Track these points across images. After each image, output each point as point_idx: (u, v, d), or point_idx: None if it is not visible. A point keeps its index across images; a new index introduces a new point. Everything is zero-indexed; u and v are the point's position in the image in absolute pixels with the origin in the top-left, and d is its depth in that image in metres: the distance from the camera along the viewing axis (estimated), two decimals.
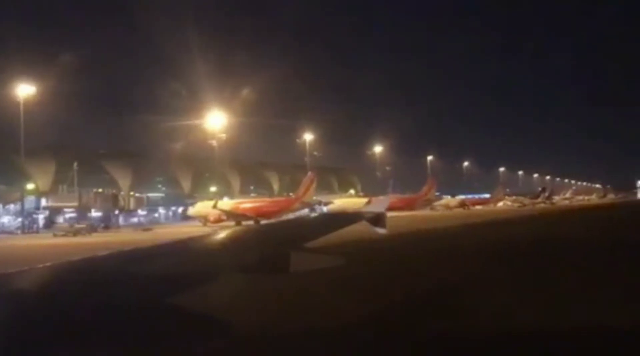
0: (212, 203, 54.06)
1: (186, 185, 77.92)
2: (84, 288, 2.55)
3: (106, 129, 69.60)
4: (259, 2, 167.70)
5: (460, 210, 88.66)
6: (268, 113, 75.34)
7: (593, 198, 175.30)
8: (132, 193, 59.32)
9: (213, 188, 69.72)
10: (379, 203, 10.42)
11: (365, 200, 67.77)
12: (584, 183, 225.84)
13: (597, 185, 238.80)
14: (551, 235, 27.52)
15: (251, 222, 50.78)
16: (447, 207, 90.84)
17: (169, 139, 66.43)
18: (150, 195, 68.46)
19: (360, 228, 6.31)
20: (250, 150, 77.85)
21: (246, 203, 55.42)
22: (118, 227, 55.19)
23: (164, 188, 77.03)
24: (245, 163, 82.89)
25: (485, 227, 40.28)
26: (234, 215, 50.28)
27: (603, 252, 17.66)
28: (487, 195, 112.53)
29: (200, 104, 61.48)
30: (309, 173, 57.48)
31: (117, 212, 56.89)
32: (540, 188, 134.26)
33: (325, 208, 60.16)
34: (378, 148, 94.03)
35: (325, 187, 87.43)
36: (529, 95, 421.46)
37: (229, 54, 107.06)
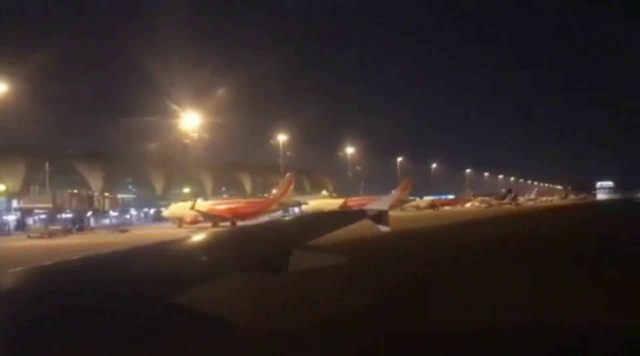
0: (187, 204, 53.59)
1: (158, 186, 77.12)
2: (85, 288, 2.56)
3: (77, 129, 68.41)
4: (233, 3, 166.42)
5: (431, 210, 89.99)
6: (241, 114, 75.17)
7: (555, 199, 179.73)
8: (106, 194, 58.35)
9: (186, 190, 69.07)
10: (382, 202, 10.63)
11: (340, 200, 68.57)
12: (546, 185, 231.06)
13: (559, 186, 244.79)
14: (534, 233, 28.53)
15: (227, 224, 50.79)
16: (418, 207, 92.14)
17: (141, 140, 65.75)
18: (123, 196, 67.38)
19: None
20: (222, 150, 77.45)
21: (223, 205, 55.11)
22: (92, 228, 54.34)
23: (134, 190, 76.00)
24: (218, 164, 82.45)
25: (462, 227, 41.20)
26: (210, 217, 50.04)
27: (595, 250, 18.65)
28: (452, 196, 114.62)
29: (174, 105, 60.96)
30: (288, 174, 57.39)
31: (90, 213, 55.92)
32: (506, 190, 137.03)
33: (298, 210, 60.15)
34: (349, 150, 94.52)
35: (297, 188, 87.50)
36: (495, 99, 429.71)
37: (203, 54, 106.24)
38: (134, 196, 69.77)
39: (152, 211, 73.87)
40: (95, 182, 66.35)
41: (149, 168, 75.97)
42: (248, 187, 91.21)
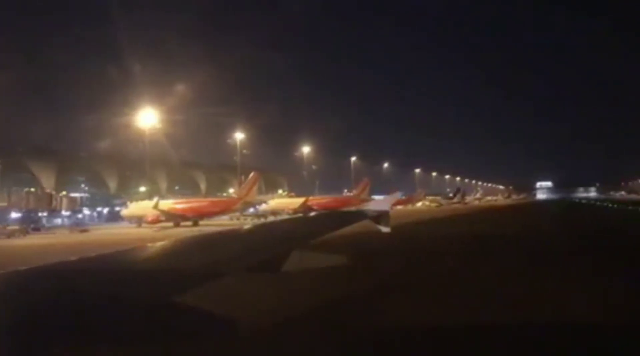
0: (147, 203, 52.57)
1: (112, 185, 75.03)
2: (85, 288, 2.54)
3: (29, 126, 65.79)
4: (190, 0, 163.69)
5: None
6: (197, 113, 73.73)
7: (499, 199, 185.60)
8: (64, 192, 56.29)
9: (142, 188, 67.46)
10: (383, 203, 10.77)
11: (301, 199, 68.50)
12: (489, 184, 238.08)
13: (501, 186, 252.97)
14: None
15: (189, 223, 50.03)
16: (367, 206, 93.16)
17: (95, 138, 63.89)
18: (80, 195, 65.21)
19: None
20: (177, 149, 76.08)
21: (186, 204, 54.20)
22: (48, 228, 52.35)
23: (86, 188, 73.72)
24: (172, 163, 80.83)
25: (425, 224, 42.15)
26: (173, 216, 49.17)
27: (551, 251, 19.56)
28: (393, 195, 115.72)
29: (129, 102, 59.50)
30: (253, 173, 56.96)
31: (43, 212, 53.79)
32: (455, 189, 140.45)
33: (260, 208, 59.71)
34: (305, 149, 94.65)
35: None
36: (443, 102, 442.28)
37: (159, 52, 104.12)
38: (88, 195, 67.55)
39: (105, 210, 71.85)
40: (47, 180, 63.94)
41: (103, 166, 73.90)
42: (203, 186, 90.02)
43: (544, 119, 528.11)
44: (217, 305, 2.71)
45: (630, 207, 67.94)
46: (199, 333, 2.49)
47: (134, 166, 71.68)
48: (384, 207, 9.16)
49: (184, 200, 58.38)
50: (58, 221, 62.11)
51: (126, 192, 70.32)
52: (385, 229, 8.06)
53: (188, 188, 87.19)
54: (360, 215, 8.62)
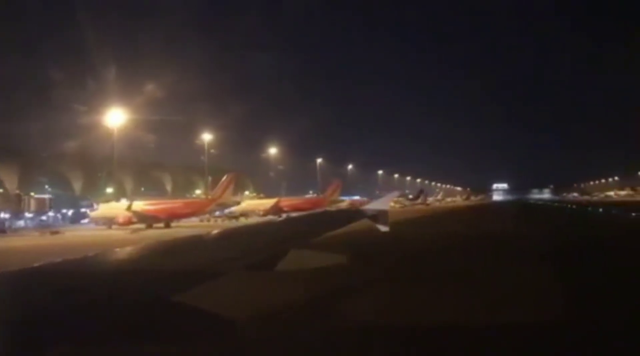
0: (118, 204, 51.76)
1: (77, 186, 73.24)
2: (85, 287, 2.55)
3: None
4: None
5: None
6: (164, 114, 72.46)
7: (458, 200, 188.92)
8: (32, 193, 54.70)
9: (109, 190, 66.10)
10: (381, 202, 10.94)
11: (273, 200, 68.28)
12: (447, 186, 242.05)
13: (459, 188, 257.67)
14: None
15: (161, 225, 49.33)
16: (338, 208, 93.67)
17: (59, 138, 62.27)
18: (48, 196, 63.41)
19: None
20: (144, 149, 74.81)
21: (159, 205, 53.36)
22: (14, 230, 50.81)
23: (50, 189, 71.65)
24: (137, 163, 79.48)
25: (400, 224, 42.67)
26: (146, 217, 48.38)
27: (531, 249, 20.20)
28: (358, 197, 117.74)
29: (95, 102, 58.27)
30: (228, 174, 56.52)
31: (6, 214, 52.24)
32: (418, 191, 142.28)
33: (233, 209, 59.24)
34: (272, 150, 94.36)
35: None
36: (403, 106, 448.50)
37: (126, 52, 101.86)
38: (51, 196, 65.59)
39: (70, 212, 70.12)
40: (10, 181, 61.97)
41: (67, 167, 72.09)
42: (169, 187, 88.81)
43: (500, 122, 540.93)
44: (216, 304, 2.75)
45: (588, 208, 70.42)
46: (197, 333, 2.52)
47: (99, 167, 70.24)
48: (383, 206, 9.17)
49: (156, 201, 57.47)
50: (21, 223, 60.33)
51: (92, 194, 68.69)
52: (384, 228, 8.10)
53: (153, 189, 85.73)
54: (359, 215, 8.72)
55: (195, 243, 4.40)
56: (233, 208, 61.41)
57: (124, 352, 2.22)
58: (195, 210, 53.20)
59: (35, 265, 2.85)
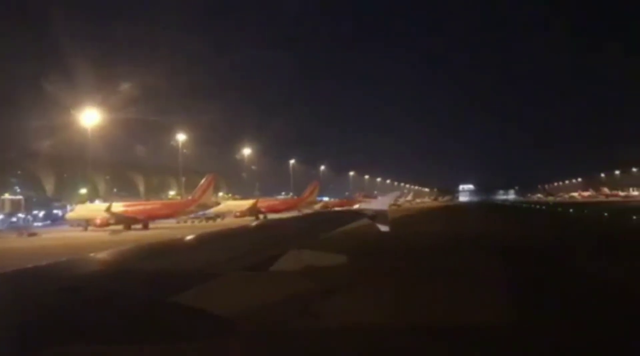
0: (95, 206, 51.11)
1: (49, 187, 71.67)
2: (84, 287, 2.55)
3: None
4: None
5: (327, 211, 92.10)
6: (136, 114, 71.52)
7: (427, 201, 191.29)
8: (6, 195, 53.34)
9: (82, 191, 64.95)
10: (381, 202, 10.66)
11: (250, 202, 67.96)
12: (416, 187, 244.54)
13: (426, 189, 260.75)
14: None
15: (139, 226, 48.71)
16: (313, 209, 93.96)
17: (31, 138, 60.90)
18: (20, 197, 61.92)
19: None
20: (115, 150, 73.71)
21: (138, 206, 52.67)
22: None
23: (19, 191, 70.07)
24: (110, 164, 78.24)
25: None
26: (125, 219, 47.67)
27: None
28: (326, 198, 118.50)
29: (66, 101, 57.17)
30: (208, 174, 56.12)
31: None
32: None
33: (212, 210, 58.74)
34: (246, 151, 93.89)
35: (190, 189, 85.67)
36: (373, 108, 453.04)
37: (99, 52, 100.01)
38: (22, 197, 64.14)
39: (41, 213, 68.56)
40: None
41: (39, 168, 70.53)
42: (142, 188, 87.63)
43: (466, 125, 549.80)
44: (215, 305, 2.74)
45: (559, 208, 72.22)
46: (196, 334, 2.51)
47: (70, 168, 69.04)
48: (382, 206, 9.24)
49: (135, 202, 56.75)
50: None
51: (64, 195, 67.39)
52: (384, 228, 7.99)
53: (126, 190, 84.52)
54: (359, 215, 8.62)
55: (190, 242, 4.36)
56: (212, 210, 60.89)
57: (123, 352, 2.21)
58: (175, 211, 52.74)
59: (29, 266, 2.81)
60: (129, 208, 50.54)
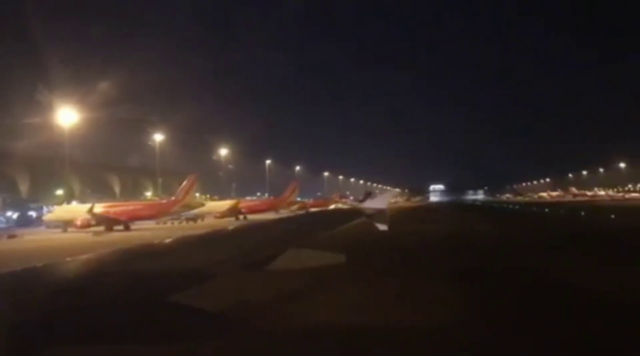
0: (75, 207, 50.13)
1: (23, 188, 70.07)
2: (82, 287, 2.53)
3: None
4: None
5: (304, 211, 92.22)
6: (110, 114, 70.36)
7: (400, 201, 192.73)
8: None
9: (59, 192, 63.71)
10: (380, 201, 10.43)
11: (230, 202, 67.58)
12: (388, 188, 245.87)
13: (398, 189, 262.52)
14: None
15: (121, 227, 48.06)
16: (291, 210, 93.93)
17: (7, 139, 59.58)
18: None
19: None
20: (93, 151, 72.63)
21: (120, 207, 51.90)
22: None
23: None
24: (84, 165, 76.90)
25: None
26: (107, 220, 46.89)
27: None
28: (299, 199, 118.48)
29: (44, 102, 56.03)
30: (190, 175, 55.62)
31: None
32: (366, 192, 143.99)
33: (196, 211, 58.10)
34: (221, 151, 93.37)
35: (167, 189, 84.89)
36: (345, 111, 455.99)
37: (73, 51, 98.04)
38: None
39: (15, 215, 67.03)
40: None
41: (12, 168, 68.90)
42: (117, 189, 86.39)
43: (436, 126, 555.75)
44: (214, 304, 2.82)
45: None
46: (196, 331, 2.51)
47: (45, 168, 67.56)
48: (381, 205, 9.15)
49: (118, 203, 55.95)
50: None
51: (39, 196, 66.02)
52: (382, 227, 8.03)
53: (100, 191, 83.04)
54: (358, 214, 8.65)
55: (189, 242, 4.37)
56: (197, 211, 60.04)
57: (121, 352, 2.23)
58: (158, 212, 52.11)
59: (27, 267, 2.81)
60: (111, 210, 49.72)
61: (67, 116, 54.79)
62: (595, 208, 61.10)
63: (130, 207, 52.77)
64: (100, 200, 66.94)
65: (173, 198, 55.16)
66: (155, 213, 51.60)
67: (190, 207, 53.48)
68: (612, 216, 42.29)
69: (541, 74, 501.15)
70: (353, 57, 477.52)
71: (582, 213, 49.18)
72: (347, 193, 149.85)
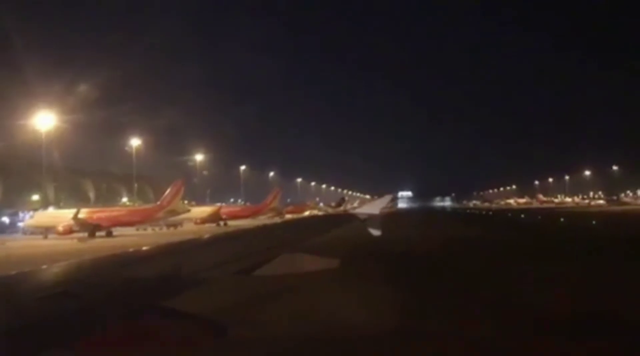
0: (58, 212, 49.27)
1: None
2: (79, 291, 2.53)
3: None
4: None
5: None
6: (85, 118, 69.09)
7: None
8: None
9: (35, 197, 62.44)
10: (373, 206, 10.72)
11: (211, 208, 67.16)
12: (358, 194, 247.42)
13: (367, 196, 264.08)
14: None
15: (103, 233, 47.31)
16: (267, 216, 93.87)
17: None
18: None
19: None
20: (65, 155, 71.11)
21: (104, 213, 51.12)
22: None
23: None
24: (58, 170, 75.36)
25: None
26: (90, 226, 46.11)
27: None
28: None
29: (15, 106, 55.06)
30: (177, 180, 55.12)
31: None
32: (340, 199, 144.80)
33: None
34: (196, 157, 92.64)
35: (141, 196, 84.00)
36: (313, 116, 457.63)
37: (47, 53, 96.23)
38: None
39: None
40: None
41: None
42: (91, 194, 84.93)
43: (403, 132, 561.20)
44: (209, 307, 2.89)
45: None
46: (192, 335, 2.54)
47: (17, 173, 66.23)
48: (374, 210, 9.34)
49: (102, 208, 55.08)
50: None
51: (13, 201, 64.48)
52: (375, 232, 8.16)
53: (73, 197, 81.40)
54: (351, 219, 9.10)
55: (184, 246, 4.40)
56: (185, 215, 59.13)
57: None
58: (144, 218, 51.39)
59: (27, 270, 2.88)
60: (94, 215, 48.88)
61: (43, 120, 53.65)
62: (572, 214, 62.76)
63: (115, 213, 52.08)
64: (75, 206, 65.77)
65: (158, 203, 54.49)
66: (140, 219, 50.95)
67: (176, 212, 52.82)
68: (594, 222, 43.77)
69: (508, 81, 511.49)
70: (322, 65, 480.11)
71: (562, 219, 50.66)
72: (317, 199, 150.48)
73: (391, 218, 79.41)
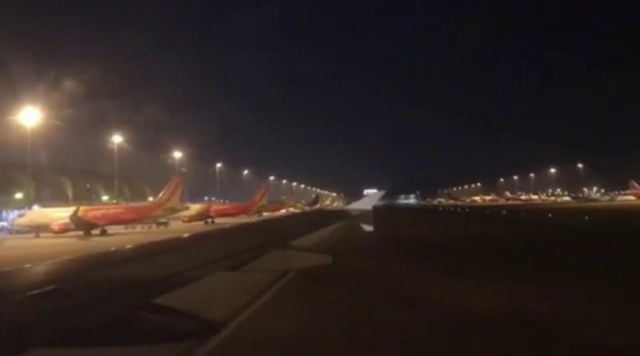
0: (50, 211, 48.66)
1: None
2: (75, 288, 2.54)
3: None
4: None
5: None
6: (66, 116, 67.96)
7: (341, 205, 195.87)
8: None
9: (18, 195, 61.36)
10: (365, 202, 11.09)
11: (199, 206, 67.10)
12: (325, 192, 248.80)
13: (334, 194, 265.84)
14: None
15: (97, 232, 46.95)
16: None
17: None
18: None
19: None
20: (44, 153, 69.93)
21: (101, 211, 50.65)
22: None
23: None
24: (37, 168, 73.97)
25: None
26: (85, 224, 45.68)
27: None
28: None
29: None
30: (174, 177, 54.85)
31: None
32: (315, 196, 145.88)
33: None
34: (174, 154, 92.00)
35: (120, 194, 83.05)
36: (287, 116, 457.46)
37: (29, 51, 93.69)
38: None
39: None
40: None
41: None
42: (70, 192, 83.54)
43: (368, 131, 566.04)
44: (204, 305, 2.79)
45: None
46: (186, 333, 2.52)
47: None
48: (367, 206, 9.56)
49: (98, 206, 54.58)
50: None
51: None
52: (367, 228, 8.36)
53: (54, 195, 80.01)
54: (345, 214, 9.28)
55: (179, 243, 4.50)
56: (182, 214, 58.77)
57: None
58: (141, 216, 51.11)
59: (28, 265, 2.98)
60: (90, 213, 48.38)
61: (28, 117, 52.70)
62: (551, 210, 64.42)
63: (111, 211, 51.72)
64: (55, 204, 64.80)
65: (155, 201, 54.29)
66: (137, 217, 50.68)
67: (175, 210, 52.59)
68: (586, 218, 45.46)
69: (473, 80, 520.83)
70: (294, 60, 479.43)
71: (550, 215, 52.33)
72: (283, 198, 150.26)
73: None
